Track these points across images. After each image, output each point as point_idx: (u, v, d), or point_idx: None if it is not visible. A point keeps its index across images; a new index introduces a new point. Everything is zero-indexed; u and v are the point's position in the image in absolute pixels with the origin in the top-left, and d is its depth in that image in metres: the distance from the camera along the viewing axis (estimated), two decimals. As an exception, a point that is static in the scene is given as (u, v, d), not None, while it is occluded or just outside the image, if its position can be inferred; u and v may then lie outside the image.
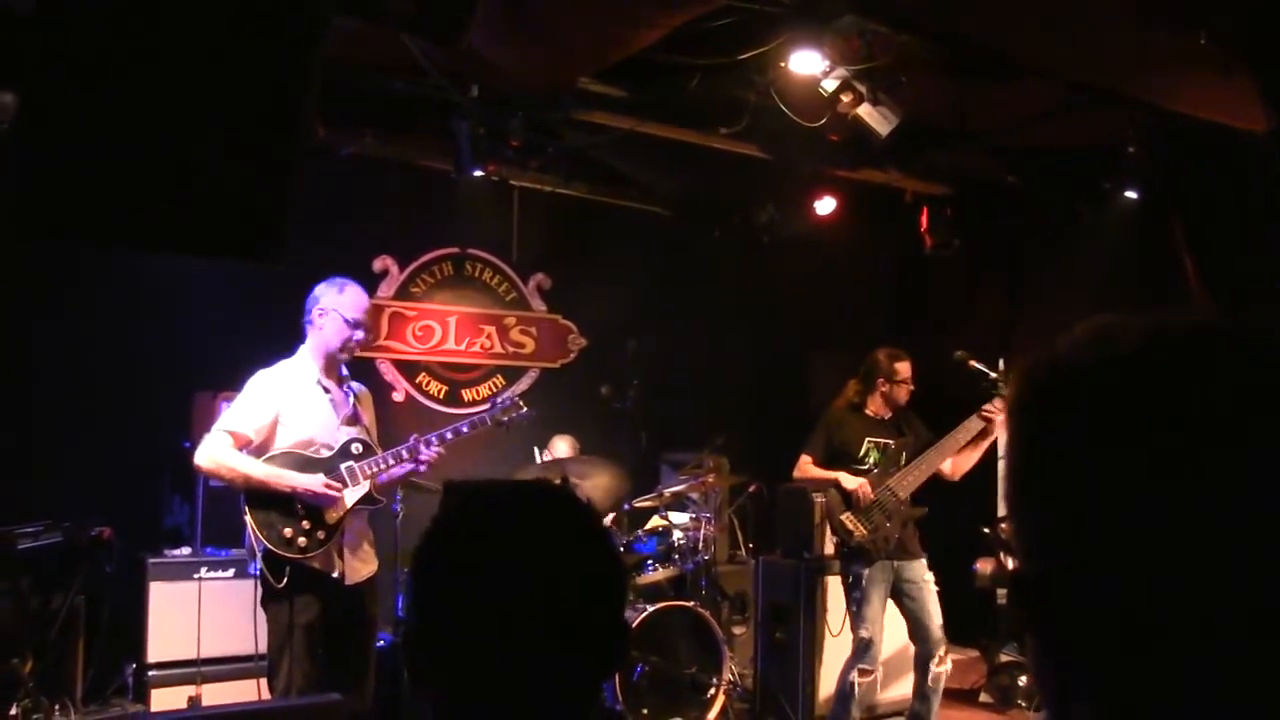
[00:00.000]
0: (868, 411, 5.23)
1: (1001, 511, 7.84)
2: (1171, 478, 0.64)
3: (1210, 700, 0.63)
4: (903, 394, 5.22)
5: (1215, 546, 0.62)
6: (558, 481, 5.50)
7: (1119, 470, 0.66)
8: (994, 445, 7.65)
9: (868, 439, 5.18)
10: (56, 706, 5.13)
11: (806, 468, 5.21)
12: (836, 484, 5.07)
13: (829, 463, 5.18)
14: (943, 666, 5.05)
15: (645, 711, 5.12)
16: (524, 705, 1.13)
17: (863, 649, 5.02)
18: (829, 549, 5.71)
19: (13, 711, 4.84)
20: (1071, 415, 0.69)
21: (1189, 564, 0.63)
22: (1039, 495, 0.71)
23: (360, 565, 4.12)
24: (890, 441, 5.20)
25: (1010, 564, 6.21)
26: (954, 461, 5.17)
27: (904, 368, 5.21)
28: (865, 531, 5.00)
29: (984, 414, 5.06)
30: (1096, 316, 0.71)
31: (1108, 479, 0.66)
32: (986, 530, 6.42)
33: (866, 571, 5.02)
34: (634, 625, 5.10)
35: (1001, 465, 7.85)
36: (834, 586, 5.85)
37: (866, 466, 5.15)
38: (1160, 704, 0.65)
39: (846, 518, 5.05)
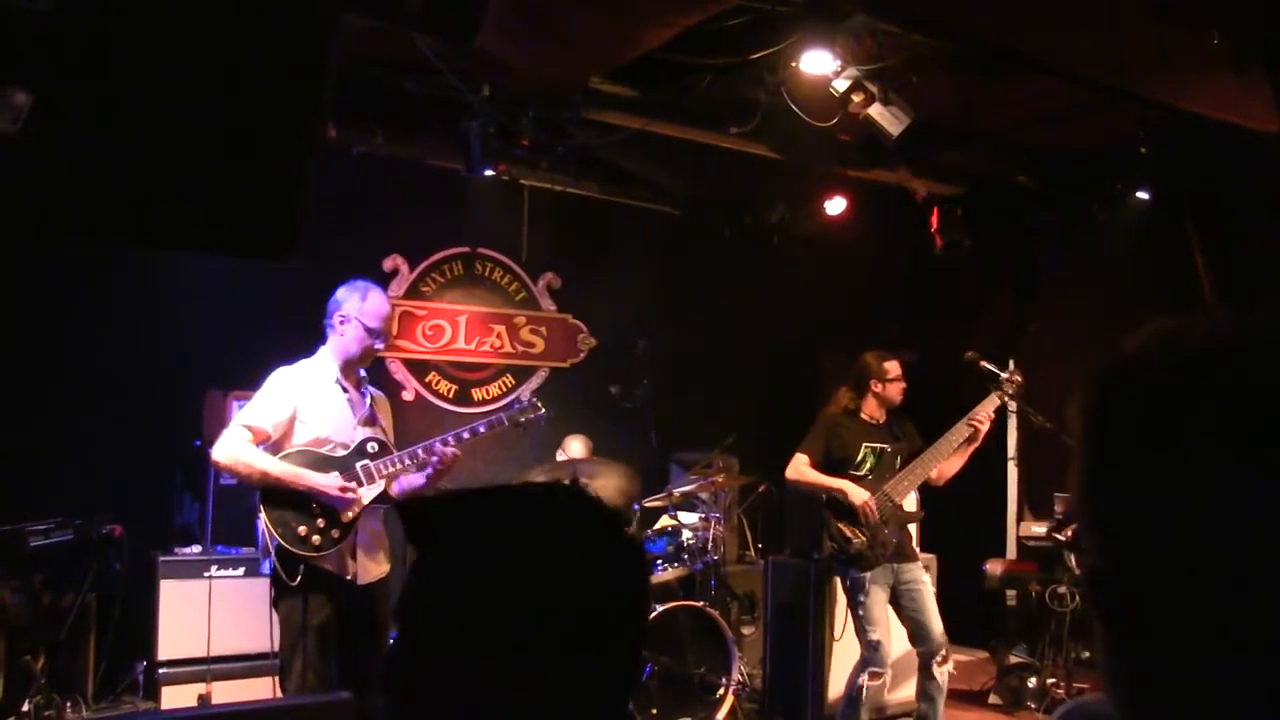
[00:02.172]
0: (863, 416, 5.22)
1: (1012, 510, 7.84)
2: (1240, 479, 0.64)
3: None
4: (896, 392, 5.20)
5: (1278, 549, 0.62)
6: (568, 481, 5.51)
7: (1187, 471, 0.66)
8: (1002, 449, 7.68)
9: (865, 444, 5.15)
10: (68, 703, 5.15)
11: (803, 469, 5.15)
12: (842, 495, 5.05)
13: (824, 467, 5.15)
14: (946, 666, 5.04)
15: (654, 711, 5.12)
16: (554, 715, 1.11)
17: (872, 651, 5.00)
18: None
19: (25, 708, 4.86)
20: (1139, 417, 0.70)
21: (1259, 565, 0.63)
22: (1108, 495, 0.71)
23: (373, 566, 4.12)
24: (886, 446, 5.19)
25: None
26: (939, 468, 5.15)
27: (893, 366, 5.20)
28: (864, 539, 4.99)
29: (971, 422, 5.06)
30: (1164, 319, 0.71)
31: (1176, 479, 0.66)
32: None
33: (867, 575, 5.01)
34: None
35: (1011, 468, 7.86)
36: (840, 587, 5.86)
37: (863, 472, 5.14)
38: (1231, 704, 0.65)
39: (845, 525, 5.03)
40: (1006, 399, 5.14)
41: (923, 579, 5.15)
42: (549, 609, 1.10)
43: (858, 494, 5.01)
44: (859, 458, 5.14)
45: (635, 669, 1.22)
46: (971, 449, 5.14)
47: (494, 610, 1.11)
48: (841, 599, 5.41)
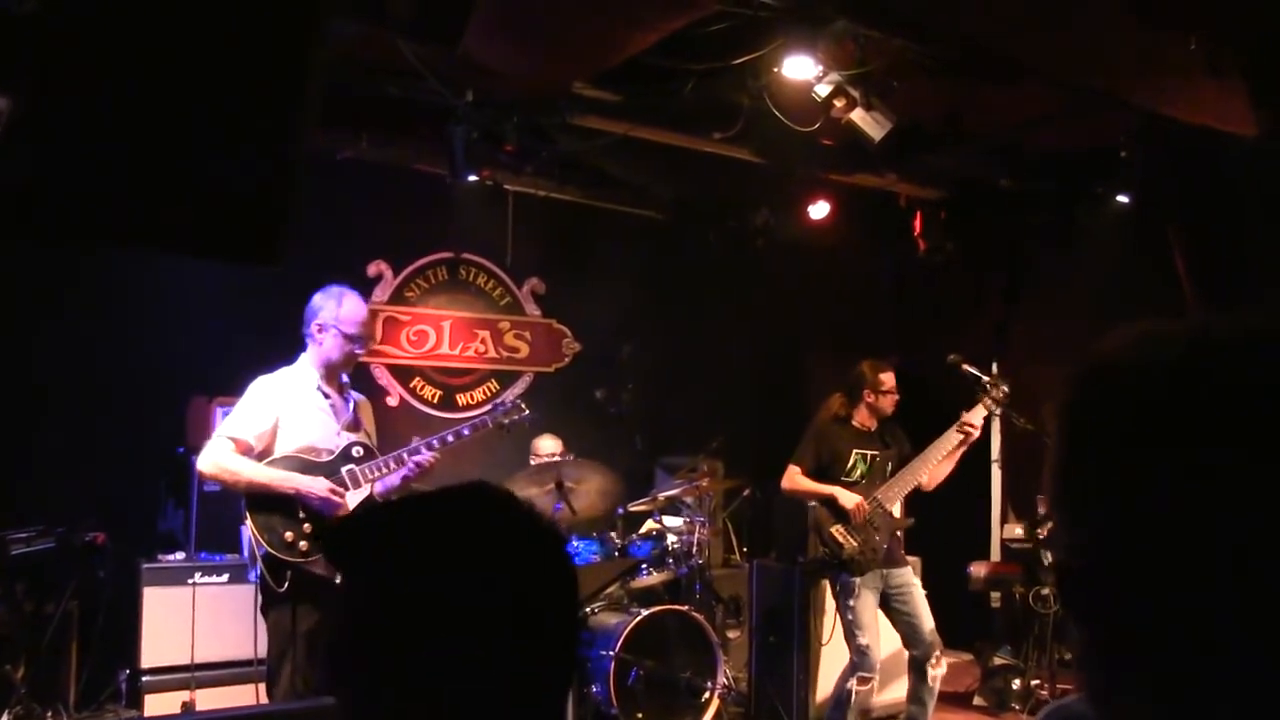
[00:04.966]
0: (854, 423, 5.24)
1: (995, 513, 7.87)
2: (1207, 480, 0.65)
3: (1248, 700, 0.64)
4: (888, 404, 5.23)
5: (1249, 550, 0.63)
6: (551, 485, 5.50)
7: (1157, 470, 0.67)
8: (985, 451, 7.71)
9: (855, 451, 5.19)
10: (50, 712, 5.12)
11: (796, 479, 5.22)
12: (833, 500, 5.08)
13: (816, 474, 5.19)
14: (939, 669, 5.06)
15: (640, 716, 5.12)
16: (486, 705, 1.12)
17: (861, 657, 5.02)
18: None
19: (5, 717, 4.83)
20: (1112, 416, 0.71)
21: (1224, 565, 0.64)
22: (1081, 493, 0.73)
23: (361, 569, 4.10)
24: (877, 453, 5.22)
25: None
26: (930, 473, 5.18)
27: (888, 378, 5.22)
28: (855, 544, 5.02)
29: (962, 428, 5.09)
30: (1143, 321, 0.72)
31: (1146, 479, 0.68)
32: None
33: (857, 580, 5.03)
34: (628, 629, 5.10)
35: (995, 470, 7.89)
36: (826, 592, 5.86)
37: (853, 479, 5.17)
38: (1198, 701, 0.66)
39: (836, 530, 5.06)
40: (993, 408, 5.16)
41: (913, 582, 5.19)
42: (472, 613, 1.11)
43: (848, 498, 5.05)
44: (850, 464, 5.18)
45: (567, 667, 1.23)
46: (961, 452, 5.18)
47: (415, 617, 1.12)
48: (830, 603, 5.43)
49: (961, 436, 5.09)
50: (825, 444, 5.22)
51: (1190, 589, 0.65)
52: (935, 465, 5.14)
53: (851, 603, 5.04)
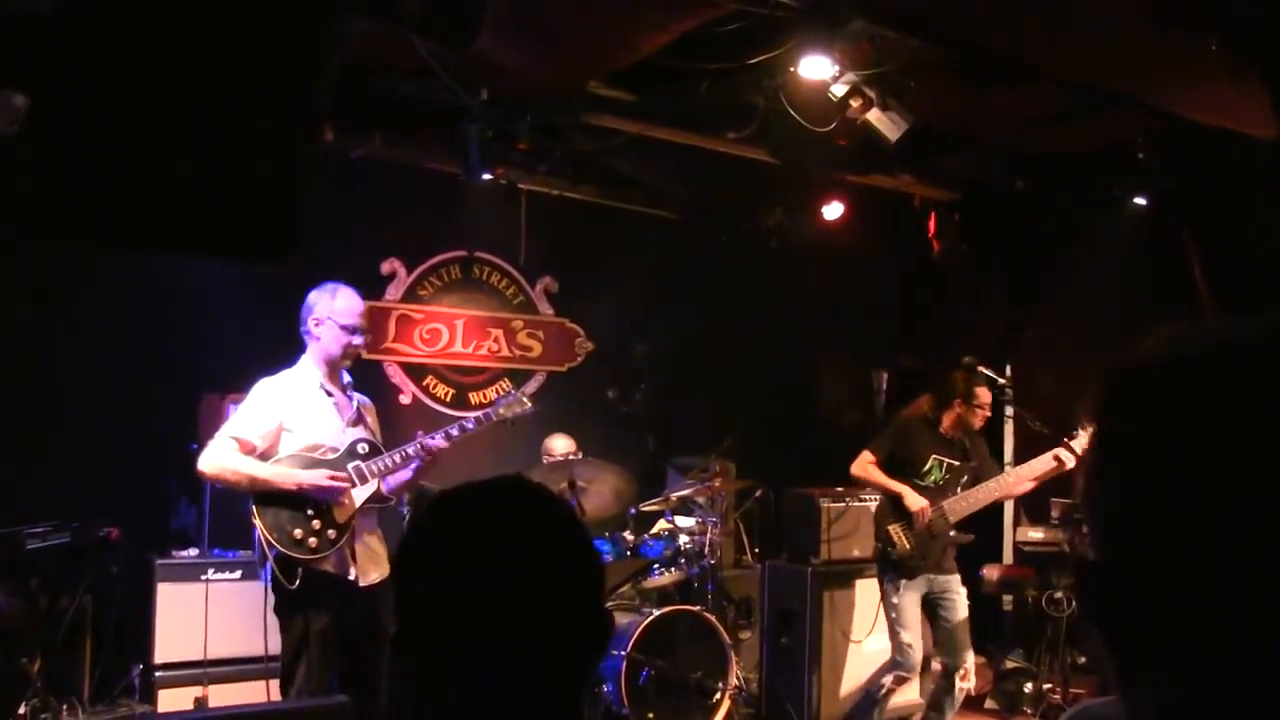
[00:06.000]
0: (940, 428, 5.18)
1: (1009, 516, 7.83)
2: (1207, 480, 0.65)
3: (1248, 700, 0.64)
4: (977, 419, 5.15)
5: (1249, 550, 0.63)
6: (564, 484, 5.51)
7: (1158, 471, 0.67)
8: (999, 455, 7.66)
9: (934, 455, 5.14)
10: (64, 706, 5.15)
11: (869, 468, 5.17)
12: (899, 499, 5.05)
13: (890, 468, 5.15)
14: (967, 681, 5.05)
15: (651, 716, 5.12)
16: (510, 702, 1.13)
17: (903, 655, 5.02)
18: (857, 553, 5.75)
19: (21, 711, 4.85)
20: (1137, 415, 0.71)
21: (1224, 565, 0.64)
22: (1108, 492, 0.73)
23: (372, 567, 4.10)
24: (957, 463, 5.16)
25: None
26: (1011, 489, 5.18)
27: (984, 393, 5.14)
28: (909, 546, 4.99)
29: (1058, 456, 5.00)
30: (1177, 322, 0.73)
31: (1149, 479, 0.68)
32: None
33: (905, 581, 5.02)
34: (640, 629, 5.10)
35: (1007, 471, 7.85)
36: (838, 593, 5.86)
37: (926, 483, 5.12)
38: (1198, 701, 0.66)
39: (895, 529, 5.03)
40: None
41: (959, 590, 5.16)
42: (504, 617, 1.12)
43: (915, 500, 5.01)
44: (926, 467, 5.14)
45: (592, 670, 1.24)
46: (1046, 479, 5.14)
47: (444, 618, 1.13)
48: (859, 601, 5.41)
49: (1054, 465, 5.00)
50: (905, 441, 5.18)
51: (1191, 589, 0.65)
52: (1014, 484, 5.11)
53: (896, 600, 5.04)
